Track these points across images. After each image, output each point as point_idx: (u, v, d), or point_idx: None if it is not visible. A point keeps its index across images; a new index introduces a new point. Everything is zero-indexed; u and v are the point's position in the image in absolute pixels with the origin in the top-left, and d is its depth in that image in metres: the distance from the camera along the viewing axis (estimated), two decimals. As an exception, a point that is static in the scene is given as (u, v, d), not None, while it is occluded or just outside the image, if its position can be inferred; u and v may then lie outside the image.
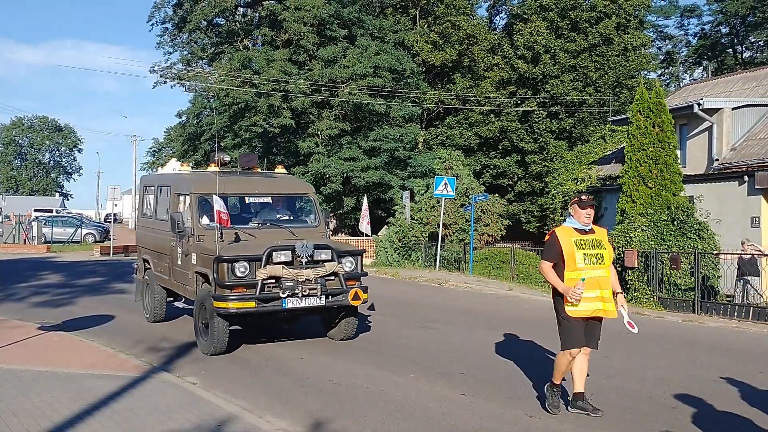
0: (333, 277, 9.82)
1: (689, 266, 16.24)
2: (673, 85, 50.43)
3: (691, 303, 15.59)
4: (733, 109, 21.40)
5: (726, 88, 25.59)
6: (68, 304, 14.95)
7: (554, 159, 34.33)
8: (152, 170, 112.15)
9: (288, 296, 9.37)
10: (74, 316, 13.10)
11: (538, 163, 36.01)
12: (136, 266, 13.51)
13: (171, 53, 49.40)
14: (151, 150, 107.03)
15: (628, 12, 36.60)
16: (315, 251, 9.66)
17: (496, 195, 31.08)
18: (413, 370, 8.91)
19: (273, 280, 9.40)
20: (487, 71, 38.60)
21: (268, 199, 11.33)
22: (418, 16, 40.96)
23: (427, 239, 26.05)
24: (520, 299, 16.94)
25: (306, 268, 9.52)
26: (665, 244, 17.24)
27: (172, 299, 12.22)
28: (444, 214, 24.84)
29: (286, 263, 9.47)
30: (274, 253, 9.45)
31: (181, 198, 11.23)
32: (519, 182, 37.71)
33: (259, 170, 12.28)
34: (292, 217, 11.54)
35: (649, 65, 41.01)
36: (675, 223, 17.65)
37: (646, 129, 18.60)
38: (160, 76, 45.23)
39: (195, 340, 10.69)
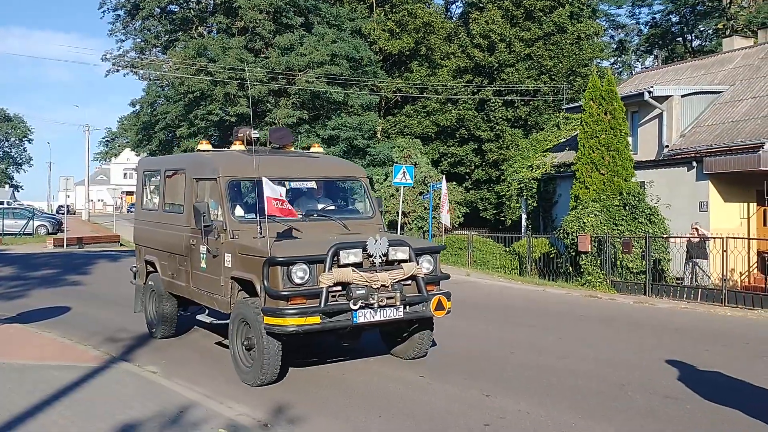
0: (410, 282, 7.76)
1: (640, 250, 16.69)
2: (625, 74, 51.34)
3: (642, 285, 16.07)
4: (683, 96, 21.92)
5: (676, 76, 26.20)
6: (22, 297, 14.71)
7: (510, 147, 34.79)
8: (105, 161, 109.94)
9: (360, 307, 7.32)
10: (29, 308, 12.90)
11: (495, 151, 36.44)
12: (134, 270, 11.12)
13: (123, 41, 48.38)
14: (104, 140, 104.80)
15: (581, 1, 37.18)
16: (390, 249, 7.62)
17: (454, 183, 31.38)
18: (375, 353, 9.04)
19: (339, 287, 7.35)
20: (444, 60, 38.86)
21: (312, 184, 9.17)
22: (374, 4, 40.99)
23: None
24: (478, 284, 17.22)
25: (380, 271, 7.50)
26: (617, 229, 17.67)
27: (183, 310, 10.19)
28: (403, 202, 25.03)
29: (355, 265, 7.44)
30: (341, 252, 7.36)
31: (203, 184, 8.95)
32: (476, 170, 38.12)
33: (292, 149, 10.04)
34: (340, 206, 9.50)
35: (602, 54, 41.73)
36: (627, 208, 18.09)
37: (598, 116, 18.98)
38: (113, 65, 44.49)
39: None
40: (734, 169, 18.05)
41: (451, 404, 6.95)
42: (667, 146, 21.39)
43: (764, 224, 19.36)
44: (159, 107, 50.81)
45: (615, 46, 53.51)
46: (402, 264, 7.70)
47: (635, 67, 54.75)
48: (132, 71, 44.68)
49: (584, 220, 17.88)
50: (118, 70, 44.18)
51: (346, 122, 32.20)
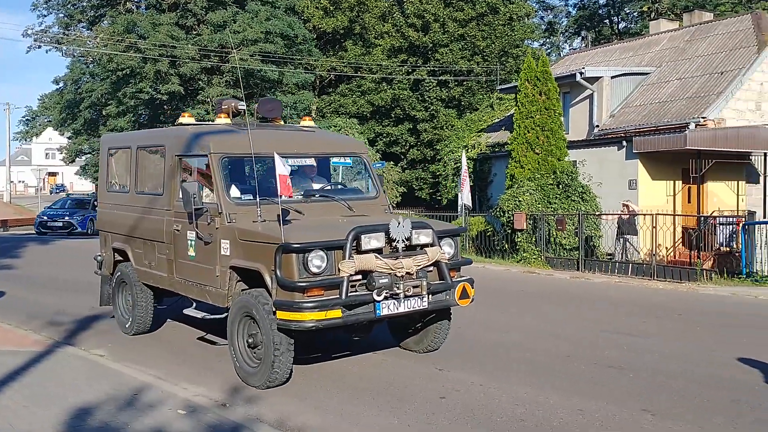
0: (431, 268, 7.11)
1: (574, 227, 17.24)
2: (554, 55, 52.39)
3: (575, 261, 16.63)
4: (612, 77, 22.58)
5: (605, 58, 26.93)
6: (-51, 282, 14.14)
7: (445, 127, 35.13)
8: (25, 140, 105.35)
9: (384, 298, 6.62)
10: (-41, 293, 12.44)
11: (430, 131, 36.75)
12: (99, 259, 9.98)
13: (46, 16, 46.61)
14: (24, 119, 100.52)
15: (514, -18, 37.68)
16: (413, 233, 6.91)
17: (391, 162, 31.56)
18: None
19: (359, 276, 6.62)
20: (379, 39, 38.82)
21: (311, 161, 8.25)
22: (308, -18, 40.54)
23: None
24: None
25: (404, 257, 6.79)
26: (551, 207, 18.17)
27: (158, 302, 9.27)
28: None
29: (377, 251, 6.71)
30: (362, 236, 6.61)
31: (188, 162, 8.15)
32: (411, 150, 38.37)
33: (281, 122, 9.13)
34: (338, 185, 8.82)
35: (533, 35, 42.48)
36: (560, 186, 18.60)
37: (533, 97, 19.39)
38: (34, 40, 42.75)
39: (97, 313, 10.47)
40: (661, 149, 18.74)
41: (407, 378, 7.09)
42: (597, 126, 22.03)
43: (689, 201, 20.23)
44: (84, 85, 49.12)
45: (545, 28, 54.50)
46: (426, 249, 6.98)
47: (563, 48, 55.98)
48: (55, 47, 43.00)
49: (520, 199, 18.30)
50: (40, 46, 42.55)
51: (281, 100, 31.85)
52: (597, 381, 7.03)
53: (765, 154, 19.56)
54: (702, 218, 17.38)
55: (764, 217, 18.75)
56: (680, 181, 20.18)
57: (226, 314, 7.33)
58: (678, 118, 19.90)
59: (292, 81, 32.85)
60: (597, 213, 18.19)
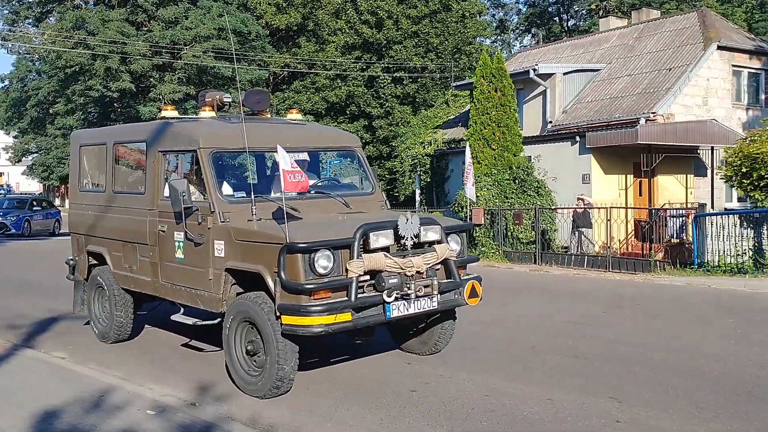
0: (438, 266, 6.77)
1: (530, 221, 17.51)
2: (505, 52, 53.04)
3: (533, 255, 16.90)
4: (564, 74, 22.98)
5: (557, 55, 27.37)
6: None
7: (400, 124, 35.25)
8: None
9: (395, 299, 6.29)
10: None
11: (385, 128, 36.83)
12: (71, 263, 9.40)
13: (-12, 11, 45.21)
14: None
15: (466, -21, 37.99)
16: (422, 229, 6.57)
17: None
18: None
19: (366, 276, 6.26)
20: (332, 36, 38.72)
21: (305, 156, 7.80)
22: (260, -22, 40.20)
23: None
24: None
25: (413, 255, 6.47)
26: (508, 202, 18.41)
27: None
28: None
29: (385, 249, 6.38)
30: (371, 234, 6.27)
31: (174, 158, 7.76)
32: (367, 147, 38.40)
33: (268, 115, 8.68)
34: (331, 181, 8.53)
35: (485, 32, 42.90)
36: (516, 181, 18.87)
37: (489, 94, 19.59)
38: (-23, 36, 41.46)
39: (55, 315, 10.25)
40: (613, 143, 19.14)
41: (378, 374, 7.12)
42: (551, 122, 22.39)
43: (640, 195, 20.71)
44: (30, 83, 47.90)
45: (496, 25, 55.11)
46: (434, 246, 6.66)
47: (514, 45, 56.69)
48: (0, 44, 41.78)
49: (477, 194, 18.49)
50: (-18, 43, 41.24)
51: (234, 98, 31.56)
52: (564, 371, 7.16)
53: (712, 148, 20.14)
54: (653, 211, 17.81)
55: (712, 208, 19.31)
56: (632, 175, 20.63)
57: (219, 320, 6.92)
58: (629, 113, 20.35)
59: (245, 78, 32.55)
60: (552, 207, 18.50)
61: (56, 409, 5.90)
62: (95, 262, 8.96)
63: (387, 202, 8.07)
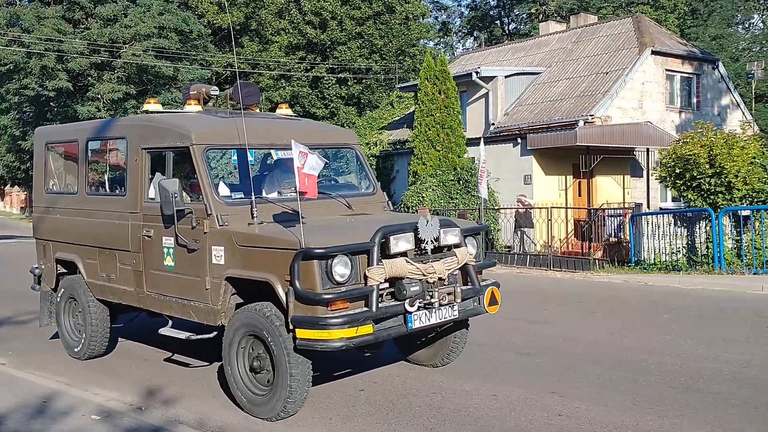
0: (457, 271, 6.33)
1: (474, 221, 17.77)
2: (448, 54, 53.61)
3: (477, 255, 17.15)
4: (506, 77, 23.39)
5: (498, 58, 27.82)
6: None
7: (345, 124, 35.26)
8: None
9: (418, 308, 5.82)
10: None
11: (329, 128, 36.78)
12: (37, 272, 8.68)
13: None
14: None
15: (409, -18, 38.24)
16: (441, 232, 6.09)
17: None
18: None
19: (386, 284, 5.75)
20: (276, 36, 38.51)
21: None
22: (201, -24, 39.71)
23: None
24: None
25: (434, 260, 5.99)
26: (453, 202, 18.68)
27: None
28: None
29: (405, 254, 5.88)
30: (391, 238, 5.76)
31: (159, 156, 6.97)
32: (311, 147, 38.30)
33: (258, 110, 8.17)
34: (330, 181, 7.89)
35: (428, 34, 43.26)
36: (461, 182, 19.15)
37: (433, 96, 19.82)
38: None
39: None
40: (553, 145, 19.60)
41: (326, 373, 7.17)
42: (493, 124, 22.76)
43: (579, 195, 21.25)
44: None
45: (439, 28, 55.64)
46: (454, 250, 6.21)
47: (457, 48, 57.36)
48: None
49: (423, 195, 18.70)
50: None
51: (177, 97, 31.11)
52: (508, 367, 7.34)
53: (647, 149, 20.80)
54: (592, 211, 18.30)
55: (648, 208, 19.95)
56: (571, 176, 21.15)
57: (215, 333, 6.48)
58: (568, 115, 20.85)
59: (187, 77, 32.09)
60: (496, 207, 18.83)
61: (-3, 416, 5.78)
62: (64, 270, 8.30)
63: (389, 203, 7.63)
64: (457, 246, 6.24)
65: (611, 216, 18.46)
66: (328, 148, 7.60)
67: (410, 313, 5.75)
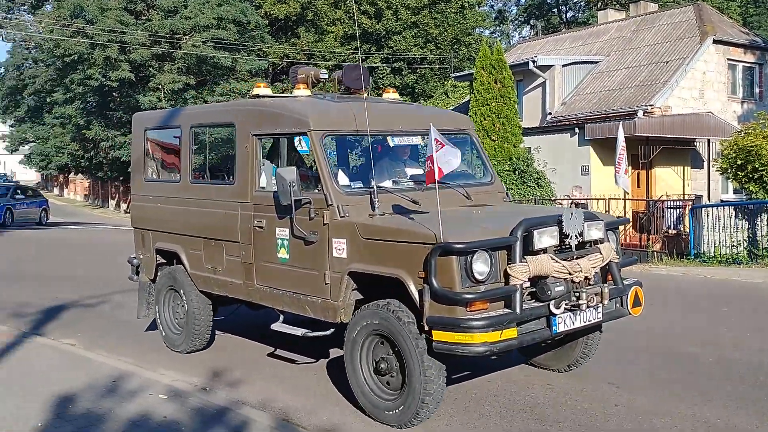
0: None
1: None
2: (504, 43, 53.09)
3: (532, 246, 17.06)
4: (563, 66, 23.14)
5: (556, 47, 27.49)
6: None
7: (399, 114, 35.36)
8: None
9: (564, 310, 5.33)
10: None
11: (384, 118, 36.92)
12: (135, 262, 8.38)
13: (-16, -2, 45.20)
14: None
15: (465, -30, 38.03)
16: (585, 226, 5.52)
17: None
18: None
19: (527, 283, 5.25)
20: (331, 26, 38.76)
21: (418, 140, 6.85)
22: (259, -33, 40.19)
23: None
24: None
25: (578, 257, 5.47)
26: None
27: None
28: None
29: (548, 250, 5.36)
30: (535, 232, 5.25)
31: (272, 143, 6.84)
32: (365, 137, 38.54)
33: (365, 95, 7.43)
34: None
35: (484, 23, 42.96)
36: (516, 172, 19.05)
37: (489, 85, 19.73)
38: (-28, 25, 41.42)
39: (60, 303, 10.41)
40: (612, 135, 19.29)
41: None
42: (550, 114, 22.54)
43: (638, 186, 20.91)
44: (26, 71, 47.85)
45: (495, 16, 55.11)
46: (599, 245, 5.66)
47: (513, 36, 56.73)
48: (-6, 32, 41.75)
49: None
50: (-22, 31, 41.20)
51: (235, 88, 31.65)
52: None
53: (708, 140, 20.34)
54: (651, 202, 18.00)
55: (709, 200, 19.51)
56: (630, 167, 20.80)
57: (332, 330, 6.13)
58: (627, 105, 20.52)
59: (245, 68, 32.60)
60: (552, 198, 18.68)
61: (70, 394, 6.05)
62: (164, 261, 8.01)
63: (508, 193, 7.11)
64: (600, 241, 5.69)
65: (670, 208, 18.13)
66: (443, 134, 6.65)
67: (555, 315, 5.28)
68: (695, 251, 14.85)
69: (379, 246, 5.48)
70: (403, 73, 37.46)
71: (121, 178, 39.16)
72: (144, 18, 32.22)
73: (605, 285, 5.61)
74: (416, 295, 5.15)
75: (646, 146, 19.19)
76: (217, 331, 8.09)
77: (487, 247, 5.06)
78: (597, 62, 23.90)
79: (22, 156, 56.79)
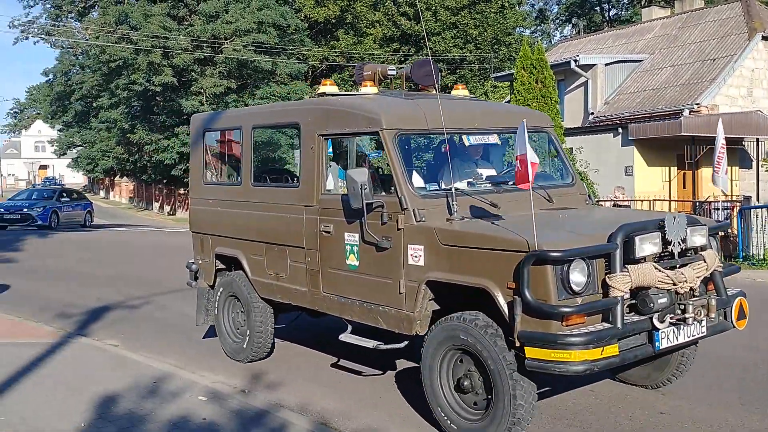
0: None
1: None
2: (545, 42, 52.55)
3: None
4: (606, 65, 22.78)
5: (598, 45, 27.09)
6: (-47, 276, 14.18)
7: (438, 115, 35.28)
8: (14, 133, 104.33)
9: (668, 324, 4.90)
10: (-37, 287, 12.49)
11: (423, 119, 36.86)
12: (194, 267, 8.00)
13: (33, 6, 46.33)
14: (11, 111, 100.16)
15: (505, -30, 37.77)
16: (688, 231, 5.08)
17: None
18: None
19: (627, 295, 4.78)
20: (370, 28, 38.84)
21: (494, 139, 6.38)
22: (299, -29, 40.49)
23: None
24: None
25: (681, 266, 5.04)
26: (549, 194, 18.36)
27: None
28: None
29: (651, 258, 4.98)
30: (636, 239, 4.82)
31: (340, 143, 6.70)
32: (405, 138, 38.51)
33: (433, 92, 6.96)
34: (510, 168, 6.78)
35: (525, 22, 42.60)
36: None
37: (529, 85, 19.47)
38: (21, 32, 42.56)
39: (105, 304, 10.58)
40: (657, 135, 18.95)
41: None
42: (592, 113, 22.21)
43: (684, 187, 20.46)
44: (74, 77, 49.03)
45: (535, 15, 54.62)
46: (702, 253, 5.20)
47: (554, 35, 56.13)
48: (43, 39, 42.82)
49: (518, 186, 18.46)
50: (27, 38, 42.37)
51: (275, 91, 31.93)
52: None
53: (757, 139, 19.81)
54: (697, 203, 17.59)
55: (758, 201, 18.99)
56: (675, 167, 20.41)
57: (406, 342, 5.80)
58: (672, 104, 20.10)
59: (285, 71, 32.89)
60: (595, 200, 18.39)
61: (113, 394, 6.13)
62: (222, 266, 7.71)
63: (591, 195, 6.61)
64: (703, 248, 5.23)
65: (718, 209, 17.68)
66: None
67: (658, 330, 4.83)
68: (744, 254, 14.46)
69: (462, 253, 5.04)
70: (443, 74, 37.31)
71: (164, 181, 39.80)
72: (186, 23, 32.74)
73: (711, 296, 5.16)
74: (505, 308, 4.73)
75: (692, 146, 18.77)
76: (283, 342, 7.96)
77: (585, 255, 4.63)
78: (641, 61, 23.48)
79: (69, 160, 58.22)
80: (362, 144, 7.17)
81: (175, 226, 30.84)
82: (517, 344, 4.66)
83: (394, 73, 6.97)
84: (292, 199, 6.55)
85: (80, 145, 52.52)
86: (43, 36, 43.25)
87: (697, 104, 19.48)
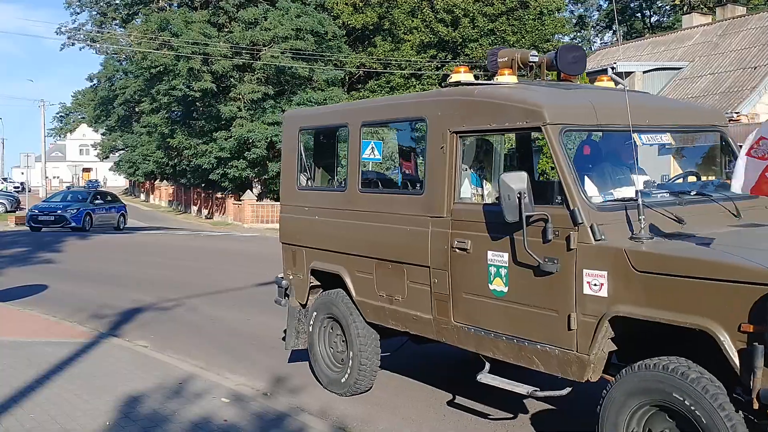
0: None
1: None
2: (585, 49, 52.04)
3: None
4: (644, 72, 22.51)
5: (637, 53, 26.77)
6: (-5, 275, 14.59)
7: (475, 122, 35.14)
8: (60, 137, 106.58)
9: None
10: (4, 286, 12.81)
11: (460, 126, 36.76)
12: (284, 284, 7.12)
13: (79, 13, 47.59)
14: (58, 115, 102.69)
15: (544, -23, 37.51)
16: None
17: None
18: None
19: None
20: (408, 34, 38.87)
21: (667, 138, 5.41)
22: (337, -22, 40.77)
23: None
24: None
25: None
26: (584, 203, 18.18)
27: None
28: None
29: None
30: None
31: (482, 142, 5.77)
32: (440, 145, 38.41)
33: (577, 82, 6.31)
34: (698, 177, 6.08)
35: (564, 29, 42.20)
36: (592, 182, 18.62)
37: (565, 92, 19.38)
38: (68, 38, 43.71)
39: (137, 306, 10.79)
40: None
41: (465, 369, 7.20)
42: (629, 121, 21.95)
43: (722, 197, 20.09)
44: (117, 82, 50.13)
45: (575, 22, 54.16)
46: None
47: (594, 42, 55.58)
48: (89, 45, 43.94)
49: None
50: (73, 44, 43.53)
51: (312, 97, 32.16)
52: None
53: (800, 149, 19.34)
54: (736, 214, 17.27)
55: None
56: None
57: (569, 389, 4.72)
58: (711, 112, 19.77)
59: (322, 78, 33.12)
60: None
61: (139, 394, 6.25)
62: (316, 283, 6.84)
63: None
64: None
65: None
66: (690, 130, 5.77)
67: None
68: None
69: (668, 284, 4.00)
70: (480, 80, 37.21)
71: (202, 185, 40.36)
72: (226, 30, 33.22)
73: None
74: (735, 357, 3.73)
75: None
76: (386, 372, 7.07)
77: None
78: (680, 68, 23.15)
79: (112, 163, 59.47)
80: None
81: (212, 230, 31.27)
82: (756, 406, 3.62)
83: (536, 59, 5.94)
84: (415, 209, 5.60)
85: (122, 149, 53.64)
86: (88, 42, 44.38)
87: (737, 113, 19.13)
